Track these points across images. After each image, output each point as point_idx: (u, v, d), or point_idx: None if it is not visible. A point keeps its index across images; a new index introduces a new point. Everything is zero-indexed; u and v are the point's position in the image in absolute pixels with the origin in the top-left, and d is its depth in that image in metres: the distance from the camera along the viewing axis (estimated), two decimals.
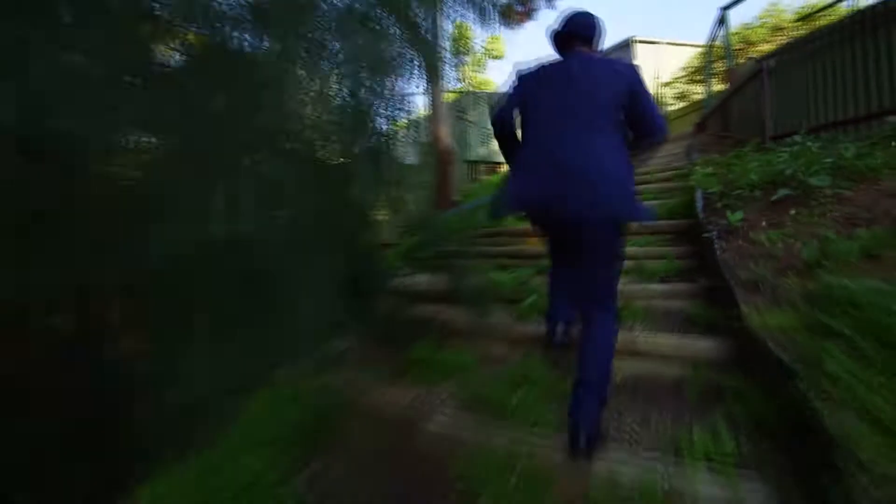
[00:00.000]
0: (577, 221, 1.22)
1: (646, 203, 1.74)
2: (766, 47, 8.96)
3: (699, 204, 2.83)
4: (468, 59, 23.99)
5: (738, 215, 2.41)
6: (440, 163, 8.02)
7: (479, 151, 11.57)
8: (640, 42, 14.48)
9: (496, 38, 23.38)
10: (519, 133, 1.44)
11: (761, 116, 4.23)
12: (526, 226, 3.46)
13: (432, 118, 7.98)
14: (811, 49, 3.85)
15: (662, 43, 14.21)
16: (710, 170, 3.54)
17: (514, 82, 1.42)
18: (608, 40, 16.31)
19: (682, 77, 11.88)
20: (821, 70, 3.76)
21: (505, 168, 3.42)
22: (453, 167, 8.11)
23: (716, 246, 2.17)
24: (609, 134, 1.24)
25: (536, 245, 2.88)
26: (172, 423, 1.02)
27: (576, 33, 1.40)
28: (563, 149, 1.23)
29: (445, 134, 8.02)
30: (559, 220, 1.27)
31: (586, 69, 1.30)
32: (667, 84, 12.85)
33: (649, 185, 4.43)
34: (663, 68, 13.71)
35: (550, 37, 1.45)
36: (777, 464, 1.08)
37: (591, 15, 1.43)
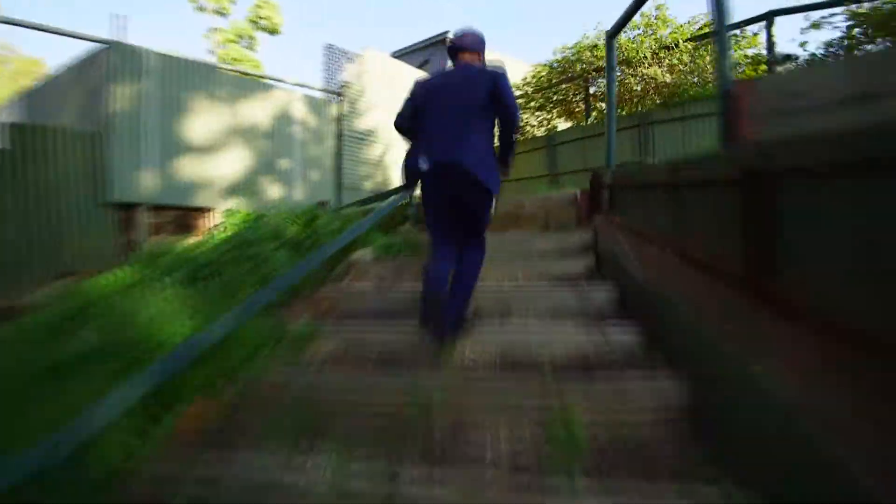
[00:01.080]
0: (455, 187, 1.76)
1: None
2: (653, 72, 6.23)
3: None
4: (226, 23, 17.13)
5: None
6: None
7: (144, 182, 5.64)
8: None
9: (268, 4, 17.36)
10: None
11: None
12: None
13: None
14: None
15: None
16: None
17: (412, 91, 1.93)
18: (418, 37, 12.70)
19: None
20: None
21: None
22: None
23: None
24: (478, 125, 1.78)
25: None
26: None
27: (462, 47, 1.91)
28: (445, 138, 1.76)
29: None
30: (444, 186, 1.79)
31: (464, 77, 1.84)
32: None
33: None
34: None
35: (447, 49, 1.99)
36: None
37: (476, 33, 1.95)
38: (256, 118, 6.58)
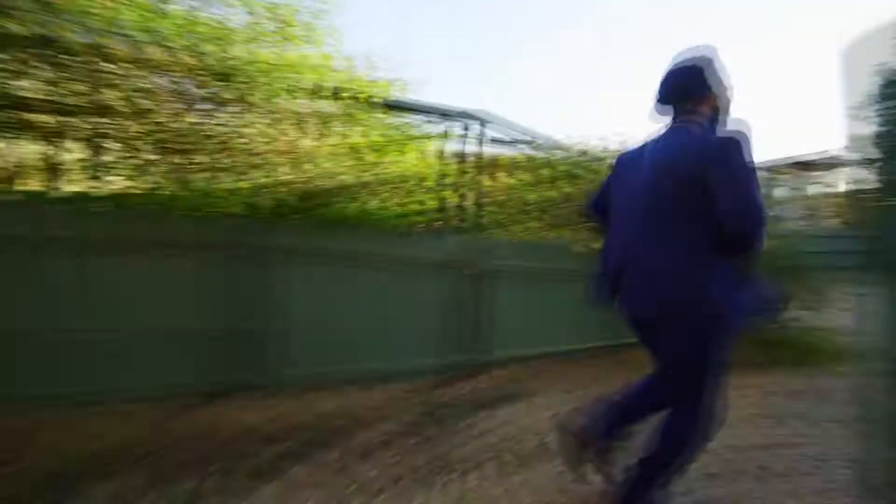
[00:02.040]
0: (635, 316, 1.37)
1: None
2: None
3: None
4: None
5: None
6: None
7: None
8: None
9: None
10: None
11: None
12: None
13: None
14: None
15: None
16: None
17: (613, 166, 1.55)
18: None
19: None
20: None
21: None
22: None
23: None
24: (672, 222, 1.25)
25: None
26: None
27: (666, 95, 1.39)
28: (625, 241, 1.35)
29: None
30: (625, 313, 1.38)
31: (665, 146, 1.32)
32: None
33: None
34: None
35: (656, 99, 1.43)
36: None
37: (688, 65, 1.36)
38: None
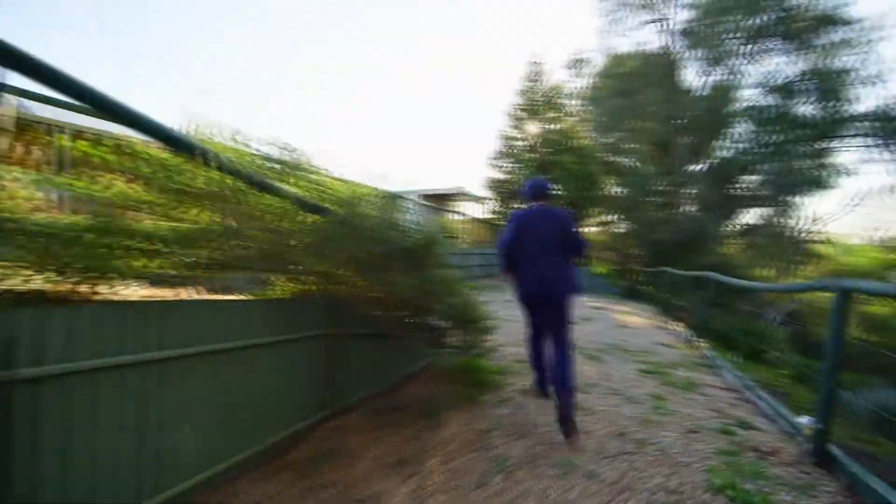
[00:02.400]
0: (546, 298, 2.88)
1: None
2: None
3: None
4: None
5: None
6: None
7: None
8: None
9: None
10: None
11: None
12: None
13: None
14: None
15: None
16: None
17: (511, 220, 3.09)
18: None
19: None
20: None
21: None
22: None
23: None
24: (559, 252, 2.90)
25: None
26: None
27: (536, 194, 3.09)
28: (538, 263, 2.90)
29: None
30: (538, 298, 2.93)
31: (545, 216, 2.98)
32: None
33: None
34: None
35: (528, 192, 3.13)
36: None
37: (546, 183, 3.20)
38: None
